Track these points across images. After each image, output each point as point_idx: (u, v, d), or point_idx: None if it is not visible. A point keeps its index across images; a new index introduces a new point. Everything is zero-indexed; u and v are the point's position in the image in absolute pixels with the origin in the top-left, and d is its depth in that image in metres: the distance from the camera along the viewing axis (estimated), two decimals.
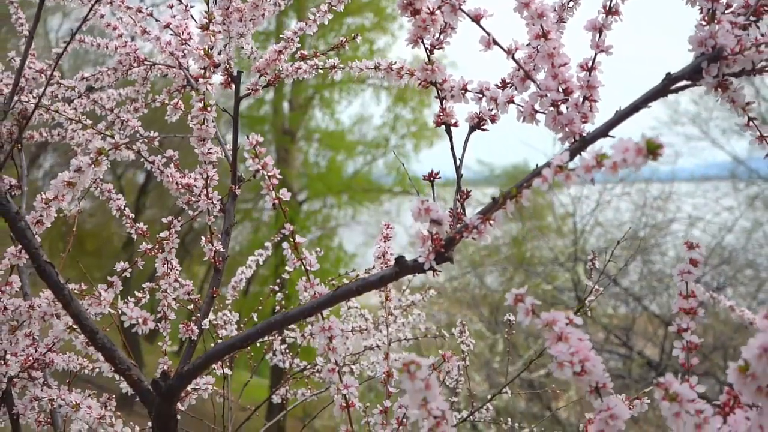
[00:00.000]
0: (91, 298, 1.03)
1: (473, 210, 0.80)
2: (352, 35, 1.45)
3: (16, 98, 1.36)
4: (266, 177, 0.91)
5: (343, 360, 1.59)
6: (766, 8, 0.75)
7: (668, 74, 0.73)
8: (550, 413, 5.89)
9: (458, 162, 0.89)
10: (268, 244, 2.03)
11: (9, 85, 1.57)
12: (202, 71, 1.12)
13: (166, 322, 1.22)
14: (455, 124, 0.92)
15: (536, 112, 0.83)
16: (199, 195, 1.25)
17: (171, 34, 1.30)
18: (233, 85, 1.33)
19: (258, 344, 1.87)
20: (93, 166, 0.97)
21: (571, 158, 0.70)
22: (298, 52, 1.39)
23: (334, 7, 1.34)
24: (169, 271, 1.22)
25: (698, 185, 9.12)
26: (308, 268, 0.92)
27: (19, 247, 1.09)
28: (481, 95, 0.88)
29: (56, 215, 1.03)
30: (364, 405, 1.30)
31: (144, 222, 1.35)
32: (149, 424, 1.47)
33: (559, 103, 0.80)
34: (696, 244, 0.79)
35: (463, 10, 0.83)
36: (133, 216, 1.37)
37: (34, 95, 1.57)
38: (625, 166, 0.57)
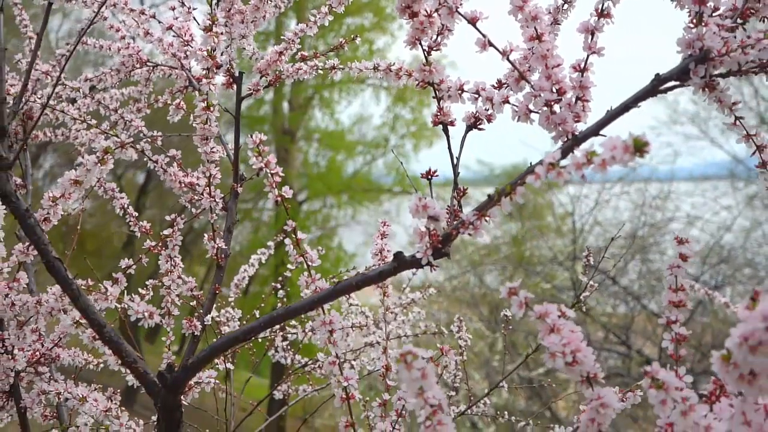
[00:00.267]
0: (97, 293, 1.06)
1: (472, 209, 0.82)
2: (352, 37, 1.48)
3: (24, 99, 1.39)
4: (269, 175, 0.94)
5: (344, 355, 1.61)
6: (752, 11, 0.78)
7: (657, 75, 0.76)
8: (548, 409, 5.91)
9: (455, 160, 0.91)
10: (270, 243, 2.05)
11: (14, 86, 1.60)
12: (206, 72, 1.14)
13: (169, 317, 1.24)
14: (452, 124, 0.95)
15: (530, 111, 0.85)
16: (202, 193, 1.27)
17: (173, 36, 1.32)
18: (235, 86, 1.36)
19: (260, 340, 1.89)
20: (99, 164, 1.00)
21: (564, 156, 0.72)
22: (299, 53, 1.41)
23: (334, 9, 1.37)
24: (172, 268, 1.25)
25: (697, 184, 9.14)
26: (309, 263, 0.94)
27: (27, 244, 1.12)
28: (477, 95, 0.91)
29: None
30: (364, 399, 1.32)
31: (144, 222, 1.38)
32: (153, 418, 1.50)
33: (552, 103, 0.82)
34: (686, 240, 0.81)
35: (459, 13, 0.85)
36: (137, 214, 1.40)
37: (39, 96, 1.60)
38: (613, 163, 0.60)
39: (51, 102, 1.54)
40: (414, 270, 0.84)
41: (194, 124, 1.19)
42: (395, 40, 10.73)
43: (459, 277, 9.10)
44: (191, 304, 1.36)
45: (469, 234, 0.78)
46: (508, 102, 0.89)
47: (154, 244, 1.24)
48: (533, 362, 6.70)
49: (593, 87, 0.82)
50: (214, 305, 1.35)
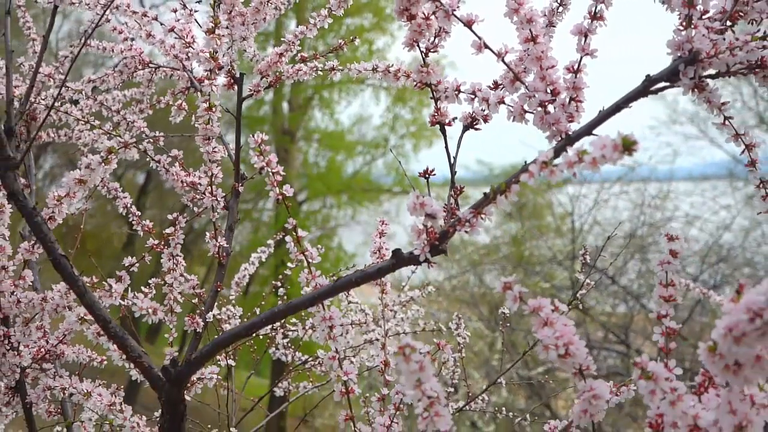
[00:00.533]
0: (101, 290, 1.08)
1: None
2: (351, 38, 1.50)
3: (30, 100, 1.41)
4: (270, 173, 0.96)
5: (344, 352, 1.63)
6: (741, 14, 0.80)
7: (648, 76, 0.78)
8: (547, 408, 5.93)
9: (452, 160, 0.93)
10: (270, 241, 2.08)
11: (17, 87, 1.62)
12: (207, 73, 1.17)
13: (172, 315, 1.26)
14: (449, 124, 0.97)
15: (525, 111, 0.87)
16: (204, 192, 1.30)
17: (175, 38, 1.34)
18: (236, 87, 1.38)
19: (260, 338, 1.92)
20: (103, 164, 1.02)
21: (557, 155, 0.74)
22: (298, 54, 1.43)
23: (334, 12, 1.39)
24: (174, 266, 1.27)
25: (696, 184, 9.16)
26: (310, 260, 0.96)
27: (32, 242, 1.14)
28: (473, 96, 0.93)
29: None
30: (363, 395, 1.34)
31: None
32: (155, 414, 1.52)
33: (546, 103, 0.84)
34: (676, 236, 0.83)
35: (456, 16, 0.87)
36: (140, 213, 1.42)
37: (42, 97, 1.62)
38: (603, 161, 0.62)
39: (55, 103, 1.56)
40: (413, 268, 0.87)
41: (196, 125, 1.21)
42: (395, 41, 10.76)
43: (459, 276, 9.13)
44: (193, 302, 1.38)
45: (466, 231, 0.80)
46: (503, 102, 0.91)
47: (156, 242, 1.26)
48: (533, 362, 6.72)
49: (586, 88, 0.84)
50: (216, 303, 1.37)
